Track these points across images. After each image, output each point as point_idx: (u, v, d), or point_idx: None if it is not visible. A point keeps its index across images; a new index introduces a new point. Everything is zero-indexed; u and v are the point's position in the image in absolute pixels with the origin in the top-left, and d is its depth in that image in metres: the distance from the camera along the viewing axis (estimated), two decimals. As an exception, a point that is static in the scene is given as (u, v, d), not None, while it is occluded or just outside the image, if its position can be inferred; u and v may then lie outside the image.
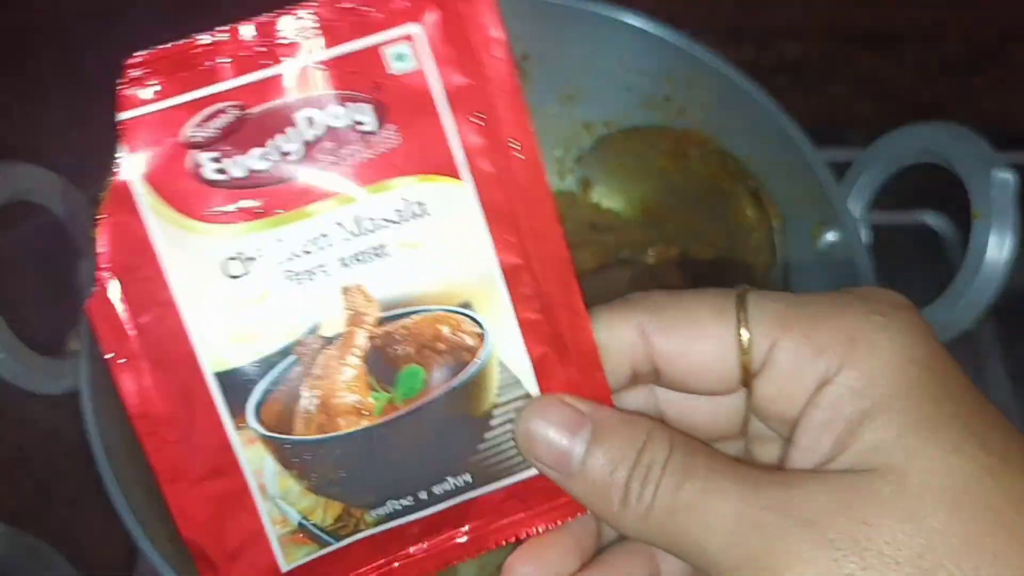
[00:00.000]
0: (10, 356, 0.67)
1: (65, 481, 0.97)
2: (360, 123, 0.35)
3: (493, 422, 0.38)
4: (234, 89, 0.36)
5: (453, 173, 0.36)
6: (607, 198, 0.95)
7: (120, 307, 0.36)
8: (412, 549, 0.39)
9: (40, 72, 1.18)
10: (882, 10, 1.13)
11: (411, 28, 0.35)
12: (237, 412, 0.37)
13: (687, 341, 0.37)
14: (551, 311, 0.38)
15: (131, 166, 0.37)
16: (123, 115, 0.38)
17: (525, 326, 0.38)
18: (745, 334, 0.35)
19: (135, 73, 0.38)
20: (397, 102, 0.35)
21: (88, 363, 0.71)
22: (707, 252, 0.90)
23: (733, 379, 0.36)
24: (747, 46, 1.14)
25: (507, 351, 0.38)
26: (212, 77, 0.36)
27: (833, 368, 0.34)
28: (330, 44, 0.35)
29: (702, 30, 0.80)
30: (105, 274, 0.36)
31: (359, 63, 0.35)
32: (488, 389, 0.38)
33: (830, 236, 0.76)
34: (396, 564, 0.39)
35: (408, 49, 0.35)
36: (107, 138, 1.20)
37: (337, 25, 0.35)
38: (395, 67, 0.35)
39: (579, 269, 0.93)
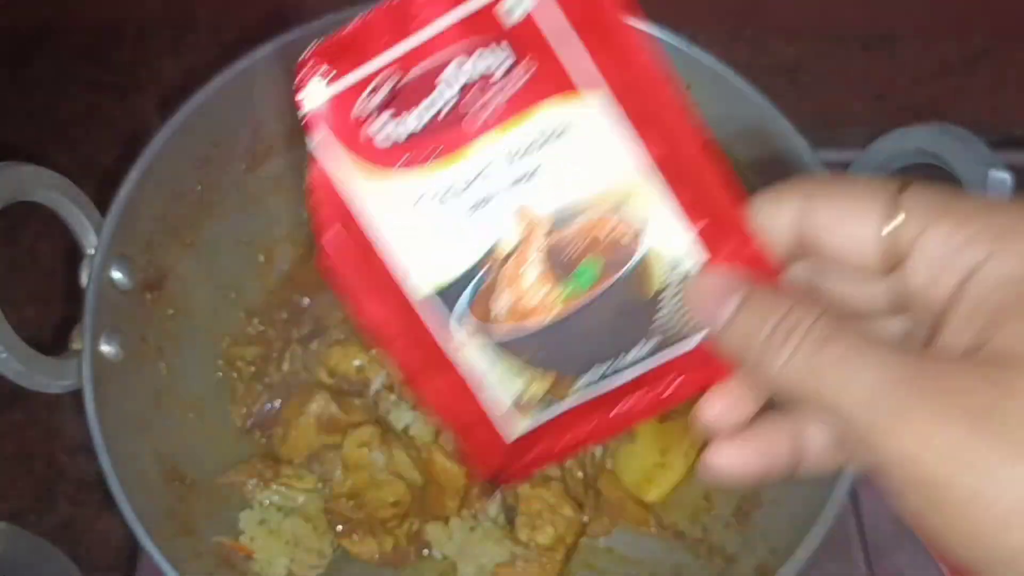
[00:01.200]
0: (12, 355, 0.67)
1: (67, 479, 0.98)
2: (499, 64, 0.42)
3: (664, 296, 0.43)
4: (392, 61, 0.42)
5: (588, 86, 0.41)
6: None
7: (347, 251, 0.44)
8: (613, 412, 0.45)
9: (43, 74, 1.19)
10: (879, 11, 1.13)
11: None
12: (447, 323, 0.45)
13: (843, 217, 0.38)
14: (704, 191, 0.42)
15: (322, 144, 0.43)
16: (308, 106, 0.43)
17: (683, 208, 0.42)
18: (900, 216, 0.36)
19: (312, 65, 0.43)
20: (527, 39, 0.41)
21: (90, 362, 0.72)
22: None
23: (884, 260, 0.37)
24: (744, 47, 1.15)
25: (668, 236, 0.42)
26: (371, 54, 0.42)
27: (982, 257, 0.34)
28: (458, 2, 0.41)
29: (699, 31, 0.80)
30: (328, 231, 0.44)
31: (486, 15, 0.42)
32: (655, 270, 0.43)
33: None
34: (601, 423, 0.45)
35: None
36: (108, 139, 1.21)
37: None
38: (517, 12, 0.41)
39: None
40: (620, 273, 0.43)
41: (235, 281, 0.91)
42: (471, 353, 0.45)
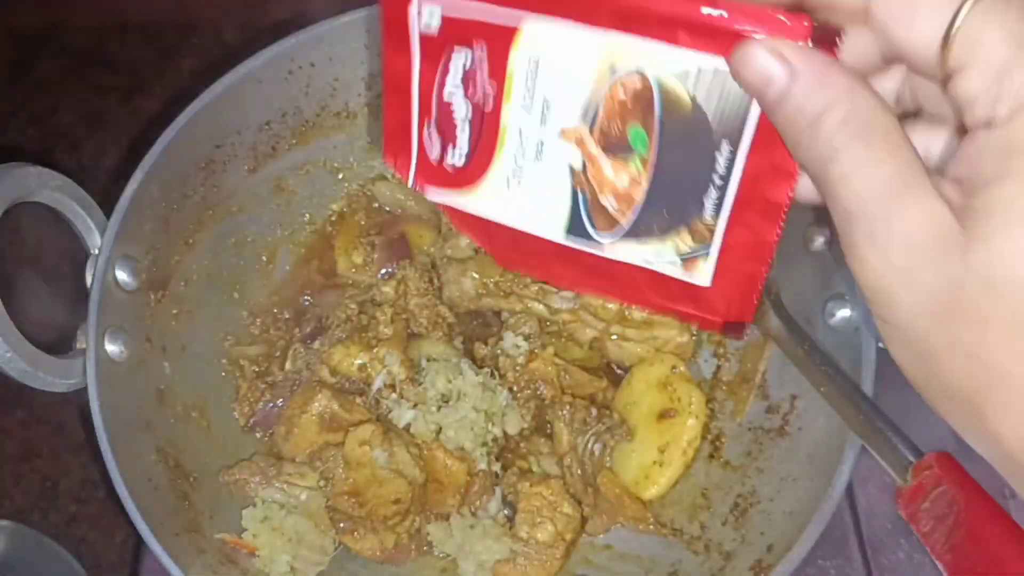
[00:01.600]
0: (17, 354, 0.68)
1: (71, 478, 0.98)
2: (465, 59, 0.52)
3: (700, 103, 0.45)
4: (420, 118, 0.57)
5: (518, 20, 0.49)
6: (605, 199, 0.97)
7: (503, 246, 0.57)
8: (759, 208, 0.47)
9: (47, 76, 1.20)
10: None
11: None
12: (588, 244, 0.53)
13: (913, 8, 0.38)
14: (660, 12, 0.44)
15: (433, 195, 0.59)
16: (411, 182, 0.59)
17: (657, 33, 0.45)
18: (964, 10, 0.36)
19: (394, 165, 0.60)
20: (456, 31, 0.52)
21: (94, 361, 0.72)
22: (703, 252, 0.92)
23: (938, 58, 0.37)
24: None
25: (663, 60, 0.45)
26: (409, 124, 0.58)
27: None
28: None
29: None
30: (482, 242, 0.58)
31: (427, 41, 0.54)
32: (678, 90, 0.45)
33: (822, 237, 0.77)
34: (757, 222, 0.47)
35: None
36: (112, 141, 1.21)
37: None
38: (434, 21, 0.53)
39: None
40: (656, 114, 0.46)
41: (238, 281, 0.92)
42: (622, 251, 0.51)
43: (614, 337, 0.87)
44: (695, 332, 0.88)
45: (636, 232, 0.51)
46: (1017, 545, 0.45)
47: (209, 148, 0.85)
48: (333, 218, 0.97)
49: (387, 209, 0.96)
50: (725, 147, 0.45)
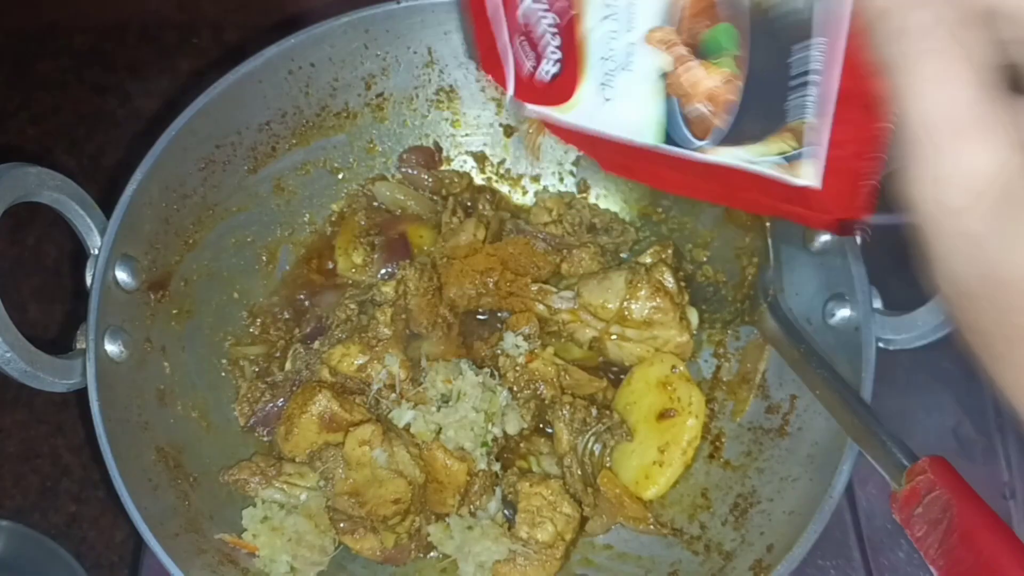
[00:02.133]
0: (17, 354, 0.68)
1: (71, 477, 0.98)
2: None
3: None
4: (505, 39, 0.59)
5: None
6: (604, 199, 0.97)
7: (609, 154, 0.59)
8: (860, 106, 0.45)
9: (47, 76, 1.20)
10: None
11: None
12: (687, 151, 0.53)
13: None
14: None
15: (535, 114, 0.60)
16: (515, 101, 0.61)
17: None
18: None
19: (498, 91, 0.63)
20: None
21: (94, 361, 0.72)
22: (702, 254, 0.92)
23: None
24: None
25: None
26: (498, 55, 0.60)
27: None
28: None
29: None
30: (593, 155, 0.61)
31: None
32: None
33: (823, 236, 0.77)
34: (862, 117, 0.45)
35: None
36: (112, 141, 1.21)
37: None
38: None
39: (578, 270, 0.93)
40: (745, 10, 0.46)
41: (238, 281, 0.92)
42: (723, 155, 0.51)
43: (614, 337, 0.87)
44: (695, 332, 0.88)
45: (735, 136, 0.50)
46: (1010, 551, 0.45)
47: (209, 148, 0.85)
48: (333, 218, 0.97)
49: (387, 209, 0.96)
50: (820, 41, 0.44)
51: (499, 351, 0.86)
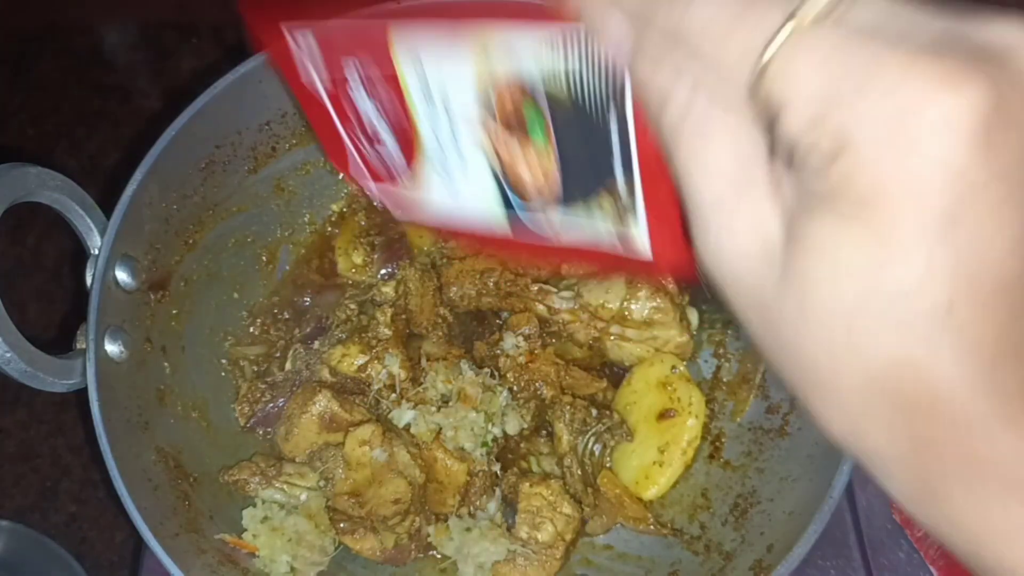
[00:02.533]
0: (17, 354, 0.68)
1: (71, 477, 0.99)
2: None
3: (580, 75, 0.45)
4: (351, 138, 0.60)
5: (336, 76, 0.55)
6: (605, 199, 0.97)
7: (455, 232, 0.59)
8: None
9: (47, 76, 1.20)
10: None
11: None
12: (528, 221, 0.54)
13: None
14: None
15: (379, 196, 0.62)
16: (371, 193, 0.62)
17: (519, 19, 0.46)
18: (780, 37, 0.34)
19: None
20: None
21: (94, 361, 0.72)
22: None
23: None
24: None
25: (520, 44, 0.46)
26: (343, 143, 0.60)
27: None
28: None
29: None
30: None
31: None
32: (554, 70, 0.45)
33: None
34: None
35: None
36: (112, 141, 1.21)
37: None
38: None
39: (578, 270, 0.93)
40: (540, 91, 0.47)
41: (238, 281, 0.92)
42: (557, 220, 0.53)
43: (614, 337, 0.87)
44: (695, 332, 0.88)
45: (563, 201, 0.52)
46: None
47: (209, 148, 0.85)
48: (333, 218, 0.97)
49: (387, 209, 0.96)
50: (612, 112, 0.45)
51: (499, 351, 0.86)
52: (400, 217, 0.61)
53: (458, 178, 0.55)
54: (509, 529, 0.81)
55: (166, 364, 0.83)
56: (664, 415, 0.85)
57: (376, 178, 0.60)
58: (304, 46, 0.56)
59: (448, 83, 0.51)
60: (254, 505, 0.80)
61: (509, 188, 0.53)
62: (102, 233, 0.76)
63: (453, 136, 0.53)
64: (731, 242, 0.36)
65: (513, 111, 0.49)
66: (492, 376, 0.84)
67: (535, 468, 0.86)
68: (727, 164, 0.35)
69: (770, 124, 0.33)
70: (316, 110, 0.59)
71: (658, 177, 0.47)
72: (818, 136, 0.31)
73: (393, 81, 0.53)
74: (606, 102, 0.45)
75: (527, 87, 0.48)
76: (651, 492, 0.84)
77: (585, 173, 0.50)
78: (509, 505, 0.83)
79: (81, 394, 0.72)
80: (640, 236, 0.51)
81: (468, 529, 0.80)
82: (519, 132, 0.50)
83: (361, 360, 0.84)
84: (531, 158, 0.51)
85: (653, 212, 0.49)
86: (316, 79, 0.57)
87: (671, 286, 0.84)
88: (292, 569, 0.78)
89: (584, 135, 0.48)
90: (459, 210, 0.57)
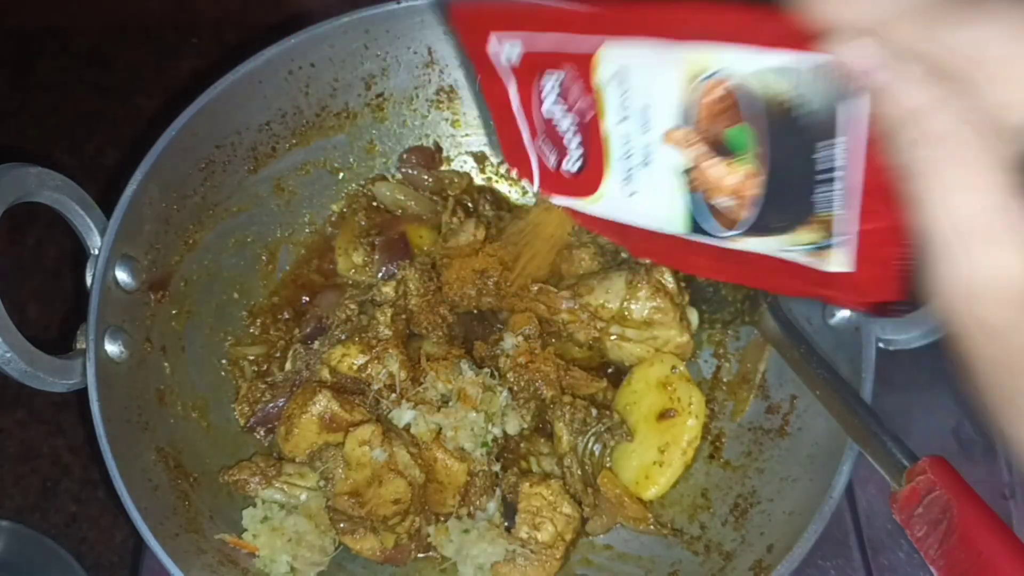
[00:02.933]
0: (17, 354, 0.68)
1: (71, 477, 0.98)
2: (555, 80, 0.58)
3: (803, 93, 0.45)
4: (530, 135, 0.62)
5: (596, 46, 0.53)
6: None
7: (641, 242, 0.61)
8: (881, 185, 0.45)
9: (47, 76, 1.20)
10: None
11: None
12: (716, 240, 0.53)
13: None
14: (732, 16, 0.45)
15: (560, 200, 0.65)
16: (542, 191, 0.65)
17: (740, 34, 0.45)
18: None
19: (516, 177, 0.66)
20: (540, 61, 0.58)
21: (94, 361, 0.72)
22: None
23: None
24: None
25: (747, 57, 0.45)
26: (523, 145, 0.63)
27: None
28: None
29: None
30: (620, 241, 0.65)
31: (520, 71, 0.59)
32: (776, 83, 0.45)
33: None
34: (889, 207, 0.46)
35: None
36: (112, 141, 1.21)
37: None
38: (515, 55, 0.57)
39: (578, 270, 0.93)
40: (761, 113, 0.46)
41: (238, 281, 0.92)
42: (749, 244, 0.52)
43: (614, 337, 0.87)
44: (695, 332, 0.88)
45: (762, 227, 0.51)
46: (1009, 552, 0.45)
47: (209, 148, 0.85)
48: (333, 218, 0.97)
49: (387, 209, 0.96)
50: (843, 140, 0.45)
51: (499, 351, 0.86)
52: (581, 223, 0.63)
53: (643, 195, 0.55)
54: (509, 529, 0.81)
55: (166, 364, 0.83)
56: (664, 415, 0.85)
57: (552, 184, 0.61)
58: (505, 51, 0.56)
59: (651, 96, 0.51)
60: (254, 505, 0.80)
61: (705, 214, 0.53)
62: (102, 233, 0.76)
63: (647, 153, 0.53)
64: (981, 279, 0.34)
65: (725, 127, 0.49)
66: (492, 376, 0.84)
67: (535, 468, 0.85)
68: (986, 197, 0.34)
69: None
70: (501, 110, 0.60)
71: (882, 213, 0.46)
72: None
73: (590, 92, 0.53)
74: (835, 130, 0.44)
75: (745, 109, 0.47)
76: (651, 492, 0.84)
77: (796, 200, 0.48)
78: (509, 505, 0.83)
79: (81, 394, 0.72)
80: (845, 266, 0.50)
81: (466, 531, 0.80)
82: (724, 152, 0.50)
83: (361, 360, 0.84)
84: (736, 180, 0.50)
85: (868, 242, 0.48)
86: (510, 81, 0.58)
87: (671, 286, 0.84)
88: (292, 569, 0.78)
89: (801, 163, 0.47)
90: (634, 221, 0.58)
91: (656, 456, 0.84)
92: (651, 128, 0.52)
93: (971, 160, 0.34)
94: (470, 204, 0.96)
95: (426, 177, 0.97)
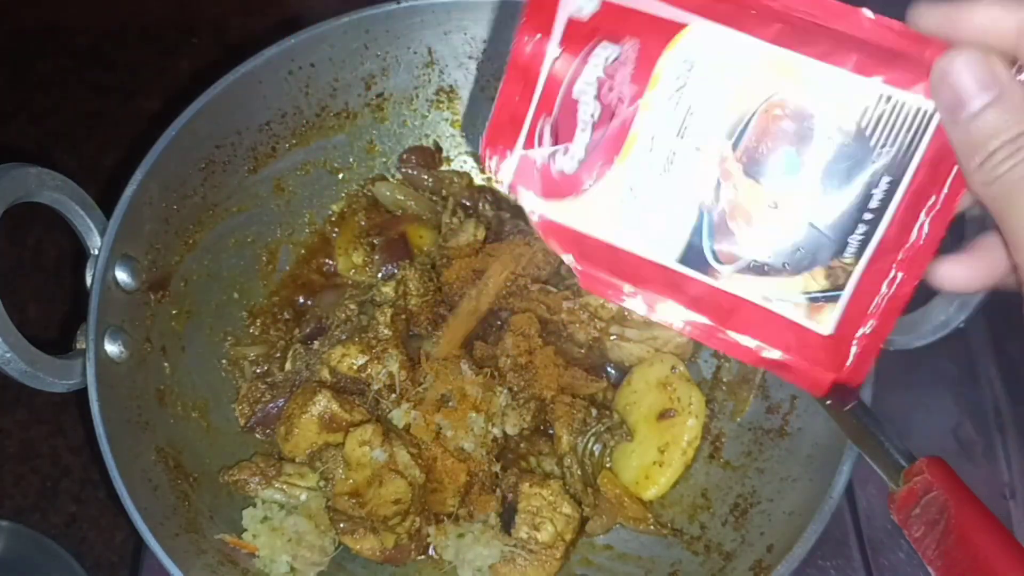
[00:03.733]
0: (17, 354, 0.68)
1: (71, 477, 0.98)
2: (609, 55, 0.51)
3: (872, 133, 0.44)
4: (536, 110, 0.53)
5: (685, 18, 0.48)
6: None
7: (594, 261, 0.53)
8: (900, 255, 0.45)
9: (47, 76, 1.20)
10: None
11: None
12: (704, 272, 0.50)
13: None
14: (840, 36, 0.43)
15: (528, 203, 0.56)
16: (506, 183, 0.55)
17: (830, 58, 0.44)
18: None
19: (489, 155, 0.54)
20: (611, 19, 0.51)
21: (94, 361, 0.72)
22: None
23: None
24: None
25: (843, 88, 0.43)
26: (520, 118, 0.53)
27: None
28: None
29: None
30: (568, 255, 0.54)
31: (573, 26, 0.52)
32: (847, 122, 0.44)
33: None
34: (900, 273, 0.46)
35: None
36: (112, 141, 1.21)
37: None
38: (589, 6, 0.50)
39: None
40: (815, 140, 0.45)
41: (238, 281, 0.92)
42: (738, 284, 0.49)
43: (614, 337, 0.87)
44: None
45: (765, 266, 0.48)
46: (1007, 552, 0.45)
47: (209, 148, 0.85)
48: (333, 218, 0.97)
49: (387, 209, 0.96)
50: (884, 182, 0.44)
51: (499, 351, 0.86)
52: (533, 219, 0.55)
53: (645, 205, 0.50)
54: (508, 530, 0.80)
55: (166, 364, 0.83)
56: (664, 415, 0.85)
57: (527, 178, 0.55)
58: (582, 2, 0.50)
59: (708, 98, 0.47)
60: (254, 505, 0.80)
61: (711, 239, 0.49)
62: (102, 233, 0.76)
63: (670, 159, 0.49)
64: None
65: (767, 148, 0.46)
66: (492, 376, 0.84)
67: (535, 468, 0.85)
68: None
69: None
70: (522, 76, 0.53)
71: (890, 265, 0.45)
72: None
73: (643, 78, 0.49)
74: (903, 146, 0.43)
75: (804, 131, 0.45)
76: (651, 492, 0.84)
77: (826, 241, 0.46)
78: (509, 505, 0.83)
79: (81, 394, 0.72)
80: (825, 326, 0.48)
81: (461, 535, 0.80)
82: (758, 176, 0.47)
83: (361, 360, 0.84)
84: (757, 208, 0.47)
85: (859, 304, 0.47)
86: (556, 42, 0.51)
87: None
88: (292, 569, 0.78)
89: (841, 190, 0.45)
90: (615, 237, 0.51)
91: (656, 456, 0.84)
92: (690, 131, 0.48)
93: None
94: (470, 204, 0.97)
95: (426, 177, 0.97)
